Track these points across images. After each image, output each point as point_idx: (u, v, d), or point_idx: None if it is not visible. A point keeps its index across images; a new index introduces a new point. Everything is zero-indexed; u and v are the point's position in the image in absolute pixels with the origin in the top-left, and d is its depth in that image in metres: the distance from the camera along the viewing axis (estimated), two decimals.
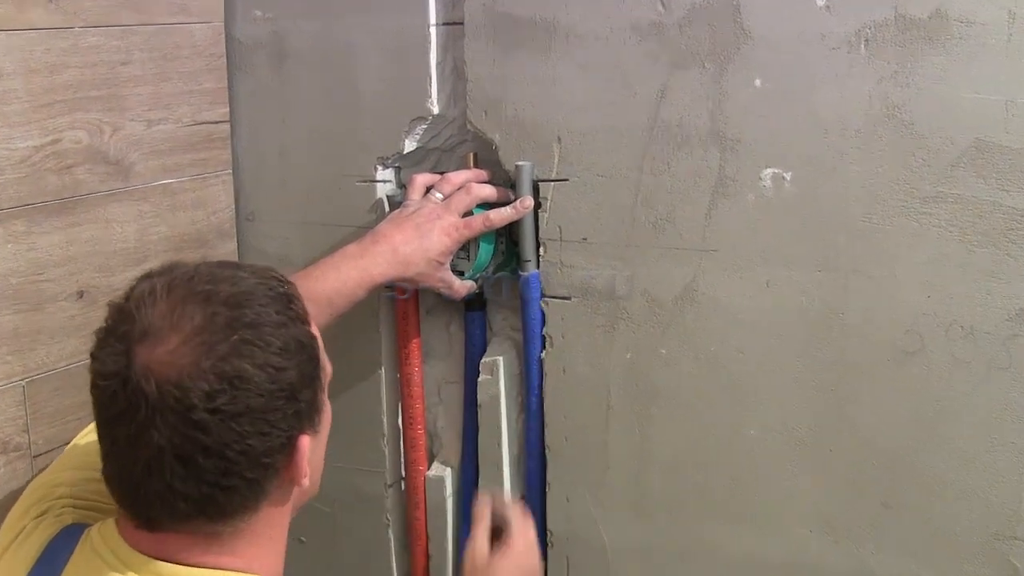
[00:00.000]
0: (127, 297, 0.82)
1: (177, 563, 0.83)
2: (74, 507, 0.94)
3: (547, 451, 1.29)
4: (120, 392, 0.78)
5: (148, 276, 0.84)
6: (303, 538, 1.47)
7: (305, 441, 0.84)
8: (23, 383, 1.18)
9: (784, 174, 1.13)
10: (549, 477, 1.29)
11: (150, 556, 0.83)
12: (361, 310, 1.34)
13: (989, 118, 1.04)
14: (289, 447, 0.83)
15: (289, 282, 0.87)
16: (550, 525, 1.30)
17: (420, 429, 1.37)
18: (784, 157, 1.12)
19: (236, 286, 0.82)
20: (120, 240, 1.26)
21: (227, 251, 1.41)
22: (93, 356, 0.82)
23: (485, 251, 1.25)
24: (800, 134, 1.11)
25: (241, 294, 0.82)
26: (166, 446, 0.78)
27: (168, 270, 0.84)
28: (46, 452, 1.20)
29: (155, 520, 0.82)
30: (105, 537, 0.86)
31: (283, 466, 0.83)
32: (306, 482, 0.86)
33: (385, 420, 1.39)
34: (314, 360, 0.86)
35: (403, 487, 1.41)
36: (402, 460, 1.40)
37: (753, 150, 1.13)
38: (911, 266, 1.09)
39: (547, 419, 1.28)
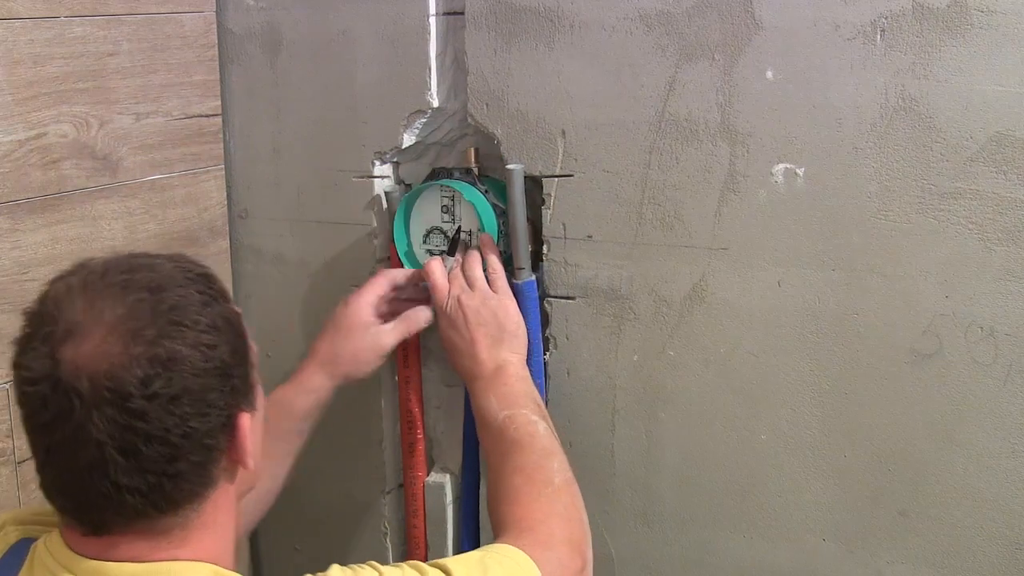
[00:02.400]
0: (42, 301, 0.81)
1: (127, 561, 0.82)
2: (16, 522, 0.93)
3: None
4: (51, 396, 0.77)
5: (60, 277, 0.83)
6: (298, 546, 1.47)
7: (245, 419, 0.85)
8: (7, 386, 1.16)
9: (796, 169, 1.12)
10: None
11: (99, 560, 0.82)
12: None
13: (1010, 111, 1.03)
14: (230, 426, 0.84)
15: (204, 265, 0.88)
16: None
17: (419, 434, 1.36)
18: (796, 152, 1.11)
19: (153, 272, 0.83)
20: (108, 238, 1.24)
21: (219, 249, 1.40)
22: (16, 365, 0.81)
23: None
24: (813, 128, 1.10)
25: (160, 278, 0.82)
26: (107, 441, 0.77)
27: (80, 268, 0.83)
28: (31, 458, 1.16)
29: (103, 523, 0.81)
30: (51, 549, 0.85)
31: (226, 447, 0.84)
32: (251, 462, 0.86)
33: (383, 424, 1.38)
34: (242, 336, 0.87)
35: (401, 494, 1.40)
36: (400, 466, 1.39)
37: (764, 145, 1.12)
38: (928, 265, 1.08)
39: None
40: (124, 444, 0.77)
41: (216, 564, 0.84)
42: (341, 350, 1.20)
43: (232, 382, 0.83)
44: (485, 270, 1.20)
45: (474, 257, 1.20)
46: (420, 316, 1.22)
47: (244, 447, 0.84)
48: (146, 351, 0.77)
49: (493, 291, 1.18)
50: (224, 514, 0.86)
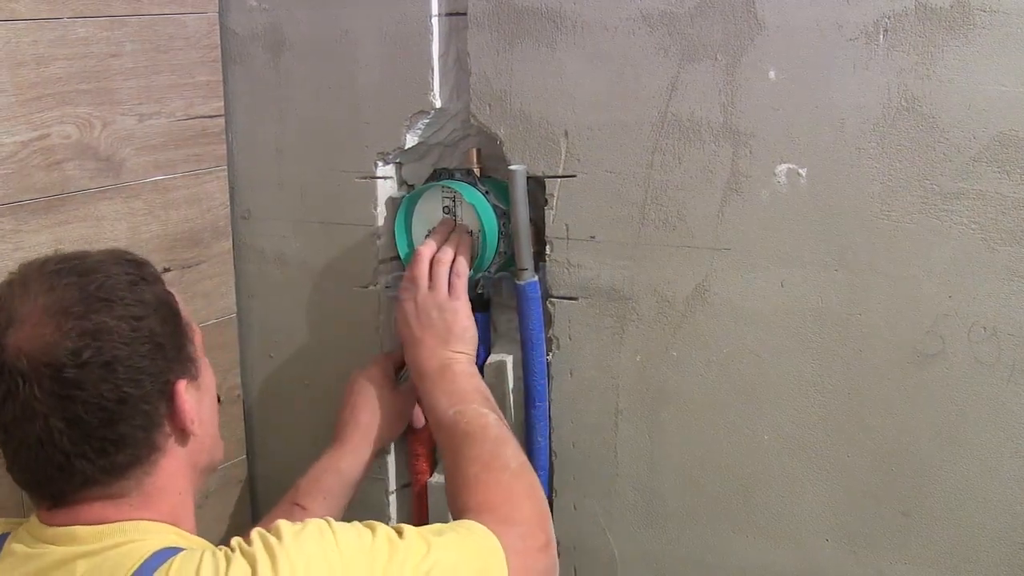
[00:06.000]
0: None
1: (94, 524, 0.88)
2: (8, 522, 0.98)
3: (553, 457, 1.27)
4: None
5: (5, 278, 0.91)
6: None
7: (181, 385, 0.91)
8: None
9: (799, 170, 1.11)
10: (556, 484, 1.28)
11: (69, 525, 0.88)
12: (361, 308, 1.34)
13: (1013, 111, 1.03)
14: (168, 394, 0.90)
15: (139, 256, 0.96)
16: (556, 534, 1.27)
17: (423, 434, 1.35)
18: (799, 152, 1.11)
19: (84, 261, 0.91)
20: (111, 239, 1.24)
21: (222, 250, 1.39)
22: None
23: (488, 251, 1.23)
24: (816, 128, 1.10)
25: (89, 264, 0.90)
26: (49, 413, 0.84)
27: (22, 267, 0.91)
28: None
29: (61, 494, 0.88)
30: (27, 528, 0.91)
31: (166, 415, 0.90)
32: (194, 427, 0.92)
33: None
34: (175, 314, 0.94)
35: (405, 494, 1.40)
36: (405, 466, 1.38)
37: (767, 145, 1.12)
38: (931, 265, 1.08)
39: (553, 424, 1.27)
40: (66, 414, 0.84)
41: (178, 527, 0.90)
42: (382, 412, 1.26)
43: (165, 352, 0.90)
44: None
45: (446, 256, 1.21)
46: None
47: (184, 413, 0.90)
48: (75, 326, 0.85)
49: (450, 294, 1.19)
50: (181, 481, 0.92)
